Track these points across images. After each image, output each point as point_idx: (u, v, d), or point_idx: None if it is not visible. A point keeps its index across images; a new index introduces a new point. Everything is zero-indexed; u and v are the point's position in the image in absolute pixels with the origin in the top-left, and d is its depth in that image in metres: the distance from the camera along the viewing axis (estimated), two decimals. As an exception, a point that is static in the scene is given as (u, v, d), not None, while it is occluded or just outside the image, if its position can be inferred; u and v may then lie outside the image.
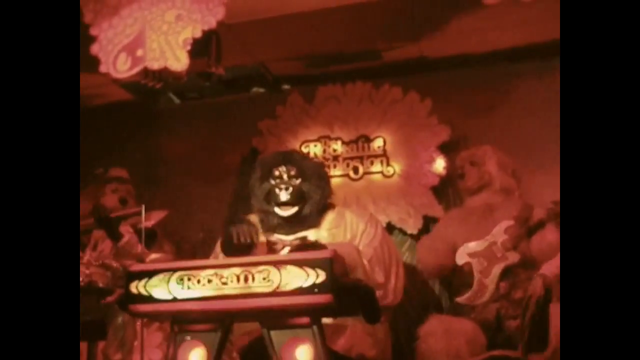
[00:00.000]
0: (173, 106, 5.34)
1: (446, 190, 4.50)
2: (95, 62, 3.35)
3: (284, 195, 3.11)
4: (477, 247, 3.56)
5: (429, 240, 3.91)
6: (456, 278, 3.65)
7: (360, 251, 3.03)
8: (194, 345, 2.30)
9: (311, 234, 3.13)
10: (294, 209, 3.12)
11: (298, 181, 3.15)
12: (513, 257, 3.49)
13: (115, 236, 3.89)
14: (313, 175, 3.19)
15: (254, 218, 3.23)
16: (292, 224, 3.14)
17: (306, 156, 3.41)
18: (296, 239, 3.09)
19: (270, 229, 3.15)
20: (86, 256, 3.94)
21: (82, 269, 3.66)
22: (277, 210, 3.14)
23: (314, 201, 3.15)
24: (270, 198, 3.16)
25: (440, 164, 4.50)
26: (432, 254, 3.76)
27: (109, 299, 3.83)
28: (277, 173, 3.17)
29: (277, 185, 3.15)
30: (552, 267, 3.21)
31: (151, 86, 3.45)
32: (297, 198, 3.12)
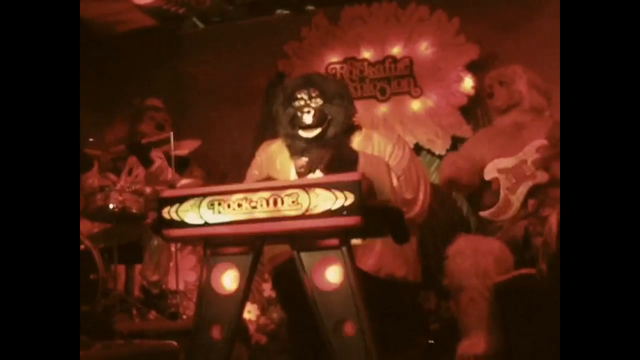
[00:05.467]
0: (197, 31, 5.28)
1: (475, 109, 4.45)
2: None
3: (307, 118, 3.11)
4: (507, 164, 3.53)
5: (454, 156, 3.89)
6: (483, 196, 3.65)
7: (390, 166, 3.04)
8: (227, 267, 2.35)
9: (339, 157, 3.14)
10: (317, 130, 3.11)
11: (320, 102, 3.14)
12: (542, 177, 3.45)
13: (147, 162, 3.95)
14: (335, 95, 3.17)
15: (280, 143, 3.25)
16: (319, 147, 3.12)
17: (327, 77, 3.38)
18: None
19: (297, 152, 3.16)
20: (120, 182, 4.04)
21: (115, 195, 3.75)
22: (301, 132, 3.14)
23: (338, 122, 3.14)
24: (295, 122, 3.15)
25: (468, 84, 4.43)
26: (456, 169, 3.73)
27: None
28: (299, 96, 3.16)
29: (299, 109, 3.14)
30: None
31: (174, 11, 3.42)
32: (320, 119, 3.12)
